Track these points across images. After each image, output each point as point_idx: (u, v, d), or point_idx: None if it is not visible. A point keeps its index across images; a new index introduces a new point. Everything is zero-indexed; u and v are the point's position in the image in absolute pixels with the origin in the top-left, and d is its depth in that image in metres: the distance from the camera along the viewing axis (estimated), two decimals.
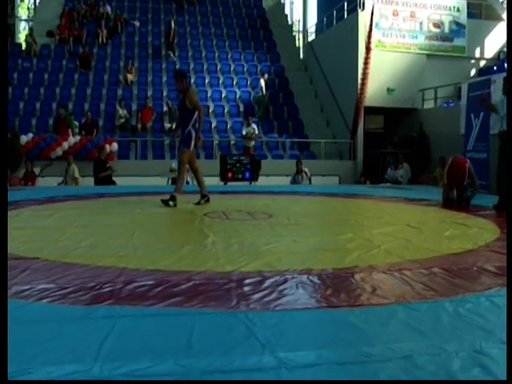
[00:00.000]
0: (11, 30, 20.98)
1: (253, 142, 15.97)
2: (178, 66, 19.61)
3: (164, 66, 20.11)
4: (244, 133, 15.89)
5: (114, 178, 12.72)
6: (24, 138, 14.33)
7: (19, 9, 27.08)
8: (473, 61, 17.46)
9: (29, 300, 3.04)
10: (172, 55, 20.48)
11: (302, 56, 22.99)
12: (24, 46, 20.29)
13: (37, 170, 12.98)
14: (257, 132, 16.03)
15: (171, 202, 7.49)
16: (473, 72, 17.33)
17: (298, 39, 24.96)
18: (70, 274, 3.61)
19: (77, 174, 12.96)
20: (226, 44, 21.69)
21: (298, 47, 23.90)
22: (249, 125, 15.84)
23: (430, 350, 2.36)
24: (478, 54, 17.46)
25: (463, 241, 5.03)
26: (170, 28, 20.72)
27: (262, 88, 18.69)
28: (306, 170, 13.93)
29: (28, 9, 27.59)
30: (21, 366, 2.11)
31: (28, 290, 3.22)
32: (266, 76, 19.36)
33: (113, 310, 2.86)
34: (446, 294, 3.27)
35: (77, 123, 15.85)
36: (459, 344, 2.42)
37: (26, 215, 6.63)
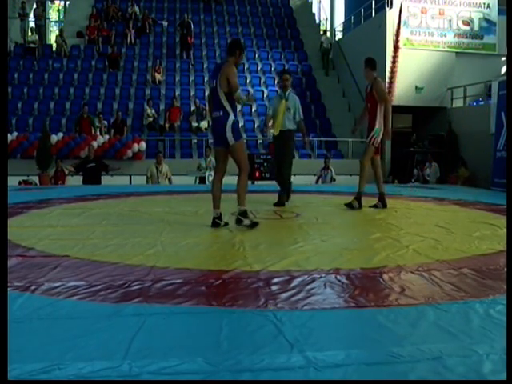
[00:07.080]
0: (42, 32, 21.24)
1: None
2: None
3: (191, 65, 20.20)
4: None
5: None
6: (54, 138, 14.53)
7: (50, 11, 27.49)
8: (504, 58, 17.16)
9: (59, 297, 3.08)
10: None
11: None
12: (54, 46, 20.61)
13: (66, 169, 13.10)
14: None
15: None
16: (503, 69, 17.05)
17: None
18: (99, 271, 3.65)
19: (169, 173, 12.92)
20: (254, 43, 21.69)
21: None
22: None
23: (460, 351, 2.33)
24: None
25: (493, 241, 4.95)
26: (185, 26, 20.65)
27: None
28: (332, 168, 13.93)
29: (58, 10, 27.99)
30: (51, 362, 2.14)
31: (58, 287, 3.27)
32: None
33: (142, 307, 2.88)
34: (476, 295, 3.22)
35: (106, 122, 16.04)
36: (490, 346, 2.38)
37: (56, 213, 6.72)
